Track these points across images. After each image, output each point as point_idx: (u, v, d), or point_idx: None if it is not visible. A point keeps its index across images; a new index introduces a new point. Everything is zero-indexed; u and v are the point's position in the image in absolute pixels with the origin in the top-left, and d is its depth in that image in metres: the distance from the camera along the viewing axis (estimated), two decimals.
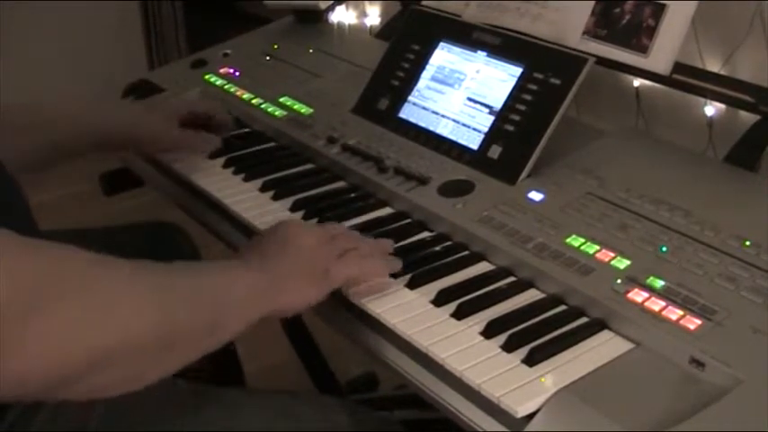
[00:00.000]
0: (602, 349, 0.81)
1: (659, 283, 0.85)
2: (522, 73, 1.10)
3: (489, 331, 0.83)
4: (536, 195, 1.01)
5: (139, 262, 0.74)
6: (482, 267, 0.95)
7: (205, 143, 1.22)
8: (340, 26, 1.80)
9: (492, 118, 1.10)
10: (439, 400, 0.81)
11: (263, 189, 1.14)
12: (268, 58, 1.51)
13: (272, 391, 1.00)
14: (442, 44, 1.20)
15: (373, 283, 0.90)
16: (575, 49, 1.10)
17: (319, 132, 1.23)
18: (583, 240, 0.92)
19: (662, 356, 0.78)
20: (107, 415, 0.84)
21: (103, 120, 1.17)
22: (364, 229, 1.01)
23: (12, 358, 0.62)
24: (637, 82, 1.53)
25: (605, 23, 1.14)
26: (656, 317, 0.81)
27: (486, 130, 1.10)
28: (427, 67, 1.20)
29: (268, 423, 0.91)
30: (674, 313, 0.81)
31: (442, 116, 1.16)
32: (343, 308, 0.91)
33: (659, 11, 1.10)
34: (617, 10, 1.13)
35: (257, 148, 1.26)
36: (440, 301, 0.89)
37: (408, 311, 0.87)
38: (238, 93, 1.40)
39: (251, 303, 0.81)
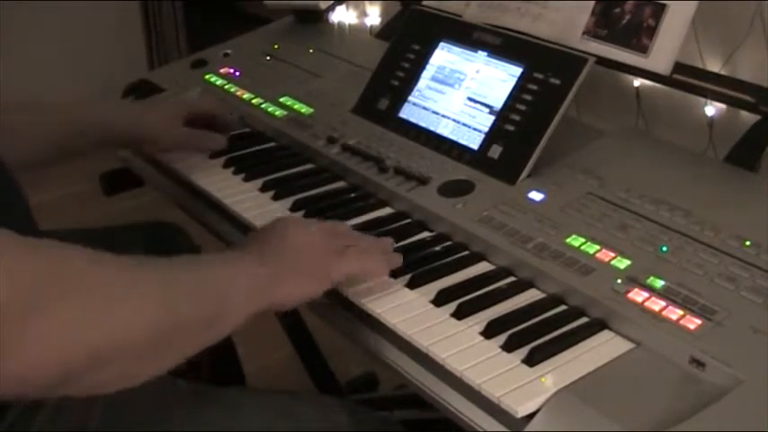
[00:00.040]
0: (602, 349, 0.81)
1: (659, 283, 0.85)
2: (523, 73, 1.10)
3: (489, 331, 0.83)
4: (536, 195, 1.01)
5: (139, 258, 0.74)
6: (482, 267, 0.95)
7: (211, 142, 1.22)
8: (340, 26, 1.81)
9: (492, 118, 1.10)
10: (439, 400, 0.81)
11: (264, 189, 1.14)
12: (268, 58, 1.51)
13: (272, 391, 1.00)
14: (442, 44, 1.20)
15: (373, 283, 0.90)
16: (575, 49, 1.10)
17: (319, 132, 1.23)
18: (583, 240, 0.92)
19: (662, 356, 0.78)
20: (107, 415, 0.84)
21: (103, 119, 1.18)
22: (364, 229, 1.01)
23: (12, 358, 0.62)
24: (637, 82, 1.53)
25: (605, 23, 1.14)
26: (657, 317, 0.81)
27: (486, 130, 1.10)
28: (427, 66, 1.20)
29: (268, 423, 0.91)
30: (674, 313, 0.81)
31: (443, 116, 1.16)
32: (342, 308, 0.91)
33: (659, 11, 1.10)
34: (617, 10, 1.13)
35: (257, 148, 1.26)
36: (440, 301, 0.89)
37: (408, 311, 0.87)
38: (238, 93, 1.40)
39: (251, 296, 0.81)
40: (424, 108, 1.18)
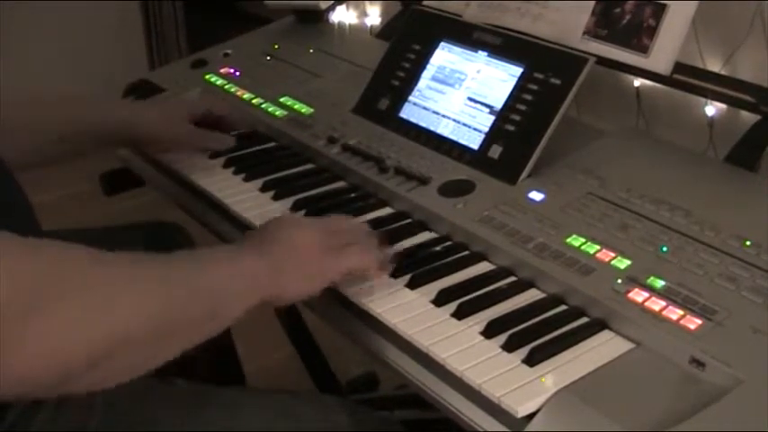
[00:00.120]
0: (602, 349, 0.81)
1: (659, 283, 0.85)
2: (523, 73, 1.10)
3: (490, 331, 0.83)
4: (536, 195, 1.01)
5: (139, 255, 0.74)
6: (482, 267, 0.95)
7: (214, 142, 1.22)
8: (340, 26, 1.80)
9: (492, 118, 1.10)
10: (439, 400, 0.81)
11: (264, 189, 1.14)
12: (268, 58, 1.51)
13: (272, 391, 1.00)
14: (442, 44, 1.20)
15: (373, 282, 0.90)
16: (575, 49, 1.10)
17: (320, 132, 1.23)
18: (583, 240, 0.92)
19: (662, 356, 0.78)
20: (107, 415, 0.84)
21: (103, 118, 1.18)
22: None
23: (12, 357, 0.62)
24: (637, 82, 1.53)
25: (606, 23, 1.14)
26: (657, 317, 0.81)
27: (486, 130, 1.10)
28: (428, 66, 1.20)
29: (268, 423, 0.91)
30: (674, 313, 0.81)
31: (443, 116, 1.16)
32: (343, 307, 0.91)
33: (660, 11, 1.10)
34: (617, 10, 1.13)
35: (258, 147, 1.26)
36: (440, 300, 0.89)
37: (409, 311, 0.87)
38: (239, 93, 1.40)
39: (249, 290, 0.81)
40: (425, 108, 1.18)
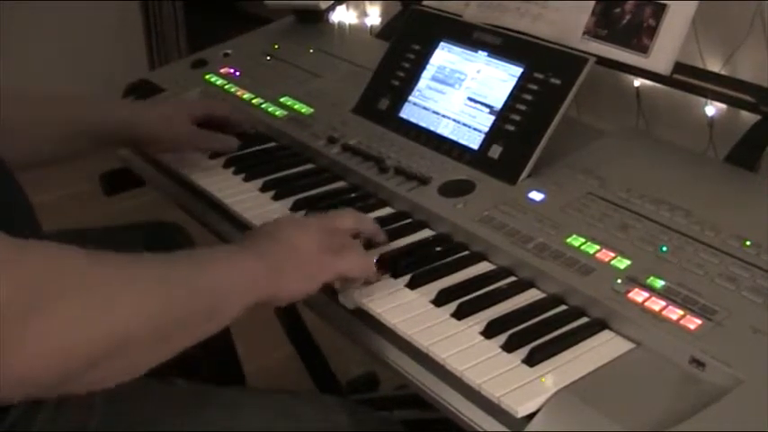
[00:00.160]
0: (602, 349, 0.81)
1: (659, 283, 0.85)
2: (523, 73, 1.10)
3: (489, 331, 0.83)
4: (536, 195, 1.01)
5: (138, 255, 0.74)
6: (482, 267, 0.95)
7: (217, 143, 1.22)
8: (340, 26, 1.80)
9: (492, 118, 1.10)
10: (439, 400, 0.81)
11: (264, 189, 1.14)
12: (268, 58, 1.51)
13: (272, 391, 1.00)
14: (442, 44, 1.20)
15: (372, 284, 0.90)
16: (575, 49, 1.10)
17: (320, 132, 1.23)
18: (583, 240, 0.92)
19: (662, 356, 0.78)
20: (107, 415, 0.84)
21: (103, 118, 1.17)
22: None
23: (12, 358, 0.62)
24: (637, 82, 1.53)
25: (606, 23, 1.14)
26: (657, 317, 0.81)
27: (486, 129, 1.10)
28: (428, 66, 1.20)
29: (268, 423, 0.91)
30: (674, 313, 0.81)
31: (443, 116, 1.16)
32: (342, 307, 0.91)
33: (660, 11, 1.10)
34: (617, 10, 1.13)
35: (258, 148, 1.26)
36: (440, 300, 0.89)
37: (409, 311, 0.87)
38: (239, 93, 1.40)
39: (248, 289, 0.81)
40: (425, 108, 1.18)
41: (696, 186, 1.01)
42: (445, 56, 1.20)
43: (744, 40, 1.41)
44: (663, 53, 1.09)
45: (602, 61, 1.11)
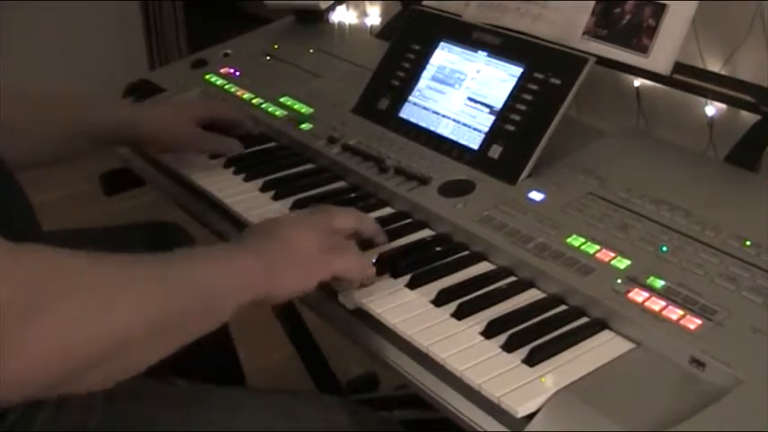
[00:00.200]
0: (602, 349, 0.81)
1: (659, 283, 0.85)
2: (523, 73, 1.10)
3: (489, 331, 0.83)
4: (536, 195, 1.01)
5: (136, 255, 0.74)
6: (482, 267, 0.95)
7: (224, 146, 1.22)
8: (340, 26, 1.80)
9: (492, 118, 1.10)
10: (439, 400, 0.81)
11: (264, 189, 1.14)
12: (268, 58, 1.51)
13: (272, 391, 1.00)
14: (442, 44, 1.20)
15: (369, 285, 0.91)
16: (575, 49, 1.10)
17: (320, 132, 1.23)
18: (583, 240, 0.92)
19: (662, 356, 0.78)
20: (107, 415, 0.84)
21: (103, 118, 1.17)
22: None
23: (12, 358, 0.62)
24: (637, 82, 1.53)
25: (606, 23, 1.14)
26: (657, 317, 0.81)
27: (486, 129, 1.10)
28: (428, 66, 1.20)
29: (268, 423, 0.91)
30: (674, 313, 0.81)
31: (443, 116, 1.16)
32: (342, 307, 0.91)
33: (660, 11, 1.10)
34: (617, 10, 1.13)
35: (258, 148, 1.26)
36: (440, 301, 0.89)
37: (409, 311, 0.87)
38: (239, 93, 1.40)
39: (245, 288, 0.81)
40: (425, 108, 1.18)
41: (696, 186, 1.01)
42: (445, 56, 1.20)
43: (744, 40, 1.40)
44: (663, 53, 1.09)
45: (602, 61, 1.11)
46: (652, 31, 1.10)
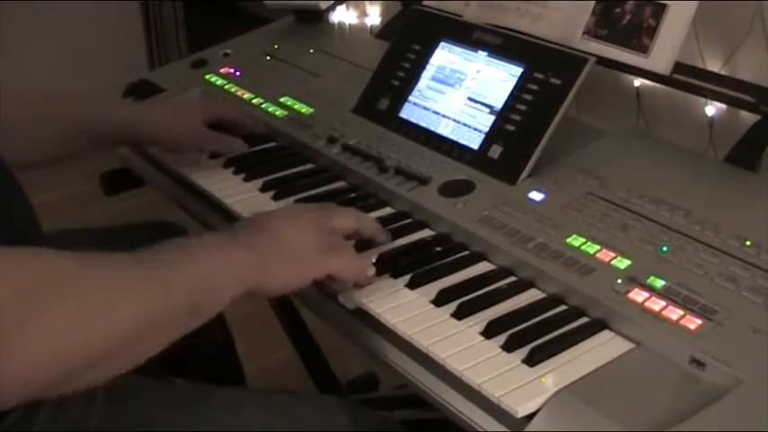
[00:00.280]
0: (602, 349, 0.81)
1: (659, 283, 0.85)
2: (523, 73, 1.10)
3: (489, 331, 0.83)
4: (536, 195, 1.01)
5: (133, 255, 0.74)
6: (482, 267, 0.95)
7: (228, 146, 1.22)
8: (340, 26, 1.80)
9: (492, 118, 1.10)
10: (439, 400, 0.81)
11: (264, 189, 1.14)
12: (268, 58, 1.51)
13: (272, 391, 1.00)
14: (442, 44, 1.20)
15: (362, 287, 0.90)
16: (575, 49, 1.10)
17: (320, 132, 1.23)
18: (583, 240, 0.92)
19: (662, 356, 0.78)
20: (107, 415, 0.84)
21: (103, 118, 1.17)
22: None
23: (12, 358, 0.62)
24: (637, 82, 1.52)
25: (606, 23, 1.14)
26: (657, 317, 0.81)
27: (486, 129, 1.10)
28: (428, 66, 1.20)
29: (268, 423, 0.91)
30: (674, 313, 0.81)
31: (443, 116, 1.16)
32: (342, 307, 0.91)
33: (660, 11, 1.10)
34: (617, 10, 1.13)
35: (258, 148, 1.26)
36: (440, 301, 0.89)
37: (408, 311, 0.87)
38: (239, 93, 1.40)
39: (237, 280, 0.81)
40: (425, 108, 1.18)
41: (696, 186, 1.01)
42: (445, 56, 1.20)
43: (744, 40, 1.40)
44: (663, 53, 1.09)
45: (602, 61, 1.11)
46: (652, 31, 1.10)
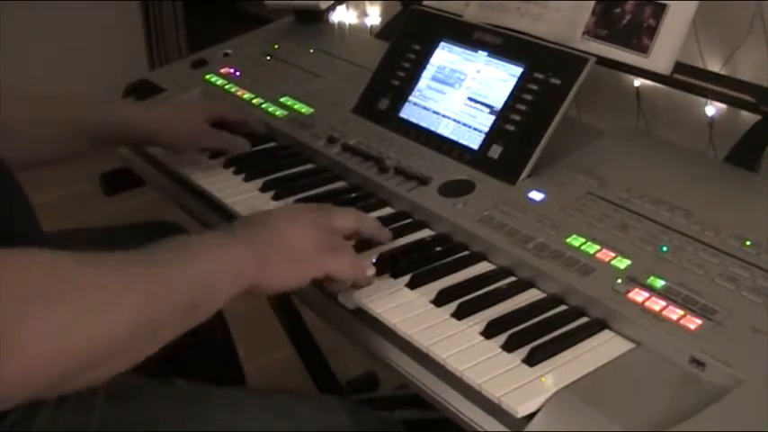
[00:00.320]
0: (602, 349, 0.81)
1: (660, 283, 0.85)
2: (523, 73, 1.10)
3: (489, 331, 0.83)
4: (536, 195, 1.01)
5: (132, 254, 0.74)
6: (482, 267, 0.95)
7: (234, 143, 1.22)
8: (340, 26, 1.80)
9: (492, 118, 1.10)
10: (439, 400, 0.81)
11: (264, 189, 1.14)
12: (268, 58, 1.51)
13: (272, 391, 1.00)
14: (442, 44, 1.20)
15: (360, 287, 0.90)
16: (575, 49, 1.10)
17: (320, 132, 1.23)
18: (583, 240, 0.92)
19: (662, 356, 0.78)
20: (107, 415, 0.84)
21: (103, 118, 1.17)
22: None
23: (12, 359, 0.62)
24: (637, 82, 1.52)
25: (606, 23, 1.14)
26: (657, 317, 0.81)
27: (486, 129, 1.10)
28: (428, 66, 1.20)
29: (268, 423, 0.91)
30: (674, 313, 0.81)
31: (443, 116, 1.16)
32: (343, 307, 0.91)
33: (660, 11, 1.10)
34: (617, 10, 1.13)
35: (258, 148, 1.26)
36: (440, 300, 0.89)
37: (409, 311, 0.87)
38: (239, 93, 1.40)
39: (235, 278, 0.81)
40: (425, 108, 1.18)
41: (696, 186, 1.01)
42: (445, 56, 1.20)
43: (744, 40, 1.40)
44: (663, 53, 1.09)
45: (602, 61, 1.11)
46: (652, 31, 1.10)
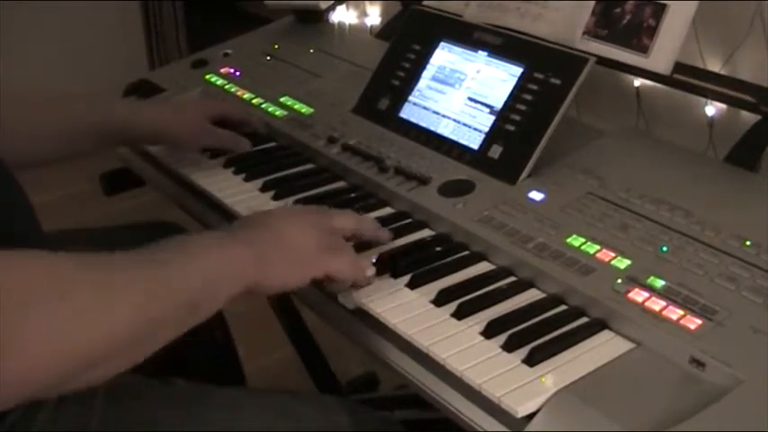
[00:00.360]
0: (602, 349, 0.81)
1: (660, 283, 0.85)
2: (523, 73, 1.10)
3: (489, 331, 0.83)
4: (536, 195, 1.01)
5: (132, 254, 0.74)
6: (482, 267, 0.95)
7: (236, 142, 1.22)
8: (340, 26, 1.80)
9: (492, 118, 1.10)
10: (439, 400, 0.81)
11: (264, 189, 1.14)
12: (268, 58, 1.51)
13: (272, 391, 1.00)
14: (442, 44, 1.20)
15: (359, 288, 0.90)
16: (575, 49, 1.10)
17: (320, 132, 1.23)
18: (583, 240, 0.92)
19: (662, 356, 0.78)
20: (107, 415, 0.84)
21: (103, 118, 1.17)
22: None
23: (12, 359, 0.62)
24: (637, 82, 1.52)
25: (606, 23, 1.14)
26: (657, 317, 0.81)
27: (486, 129, 1.10)
28: (428, 66, 1.20)
29: (268, 423, 0.91)
30: (674, 313, 0.81)
31: (443, 116, 1.16)
32: (343, 307, 0.91)
33: (660, 11, 1.10)
34: (617, 10, 1.13)
35: (258, 148, 1.26)
36: (440, 300, 0.89)
37: (409, 311, 0.87)
38: (239, 93, 1.40)
39: (235, 278, 0.81)
40: (425, 108, 1.18)
41: (696, 186, 1.01)
42: (445, 56, 1.20)
43: (744, 40, 1.40)
44: (663, 53, 1.09)
45: (602, 61, 1.11)
46: (652, 31, 1.10)
